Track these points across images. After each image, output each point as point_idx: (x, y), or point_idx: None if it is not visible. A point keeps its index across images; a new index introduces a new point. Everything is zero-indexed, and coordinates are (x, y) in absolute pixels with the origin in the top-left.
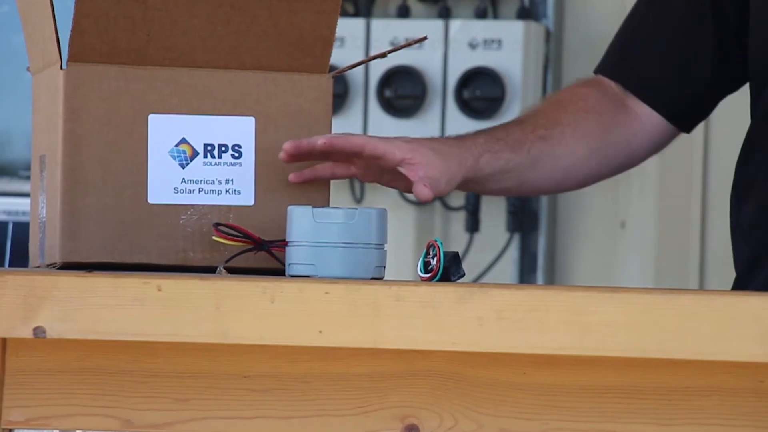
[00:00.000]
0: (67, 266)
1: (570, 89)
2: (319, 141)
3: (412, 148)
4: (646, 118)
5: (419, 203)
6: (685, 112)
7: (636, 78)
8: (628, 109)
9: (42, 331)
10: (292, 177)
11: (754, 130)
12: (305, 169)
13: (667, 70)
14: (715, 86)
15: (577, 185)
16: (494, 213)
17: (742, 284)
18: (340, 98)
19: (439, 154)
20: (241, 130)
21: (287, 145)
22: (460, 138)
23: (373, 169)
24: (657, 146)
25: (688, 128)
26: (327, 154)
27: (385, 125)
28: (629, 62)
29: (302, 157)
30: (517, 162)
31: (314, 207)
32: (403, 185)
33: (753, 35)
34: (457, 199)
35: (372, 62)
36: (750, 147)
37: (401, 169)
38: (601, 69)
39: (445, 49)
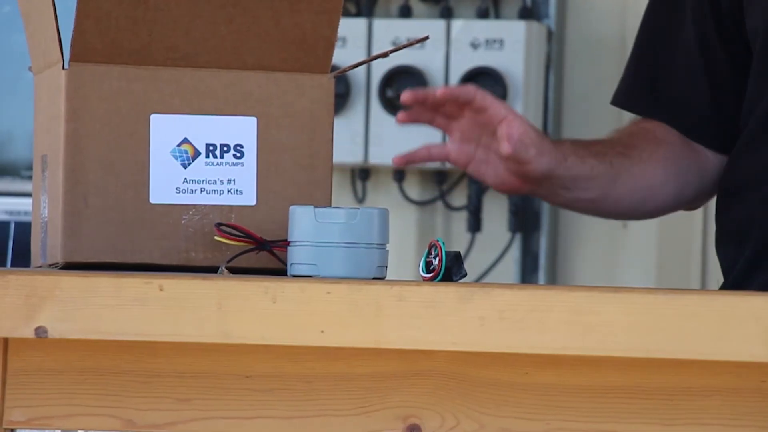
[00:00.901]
0: (69, 266)
1: (635, 124)
2: (438, 91)
3: (516, 112)
4: (712, 156)
5: (421, 203)
6: (733, 140)
7: (689, 123)
8: (693, 145)
9: (44, 330)
10: (395, 160)
11: (751, 131)
12: (406, 154)
13: (707, 107)
14: (740, 103)
15: (654, 211)
16: (496, 213)
17: (738, 288)
18: (341, 98)
19: (536, 130)
20: (242, 130)
21: (405, 95)
22: None
23: (469, 140)
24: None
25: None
26: (438, 106)
27: (386, 125)
28: (674, 107)
29: (418, 100)
30: (601, 171)
31: (316, 207)
32: (493, 174)
33: (750, 36)
34: (459, 199)
35: (374, 62)
36: (742, 151)
37: (500, 128)
38: (640, 110)
39: (447, 49)
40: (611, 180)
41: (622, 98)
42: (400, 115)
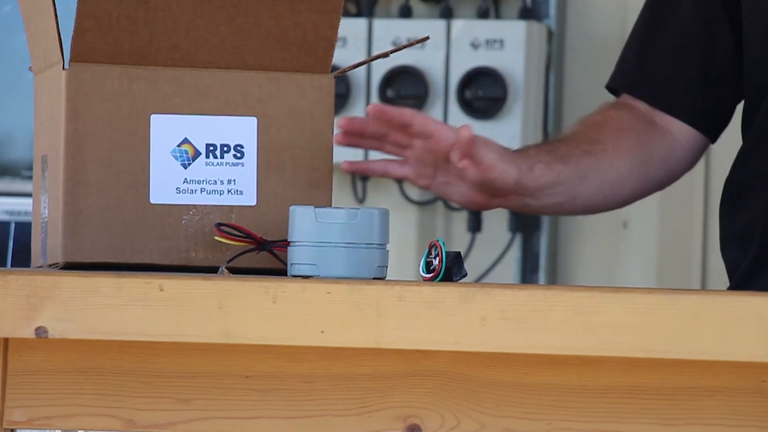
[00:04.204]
0: (70, 266)
1: (601, 113)
2: (369, 108)
3: (476, 137)
4: (679, 134)
5: (421, 203)
6: (712, 120)
7: (660, 93)
8: (659, 127)
9: (44, 331)
10: (344, 165)
11: (755, 134)
12: (359, 162)
13: (689, 78)
14: (735, 87)
15: (622, 202)
16: (496, 213)
17: (741, 289)
18: (342, 98)
19: (494, 142)
20: (243, 130)
21: (341, 121)
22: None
23: (427, 165)
24: (692, 160)
25: (714, 137)
26: (380, 137)
27: None
28: (649, 78)
29: (355, 133)
30: (567, 174)
31: (316, 207)
32: (458, 193)
33: (747, 37)
34: None
35: (374, 62)
36: (748, 153)
37: (452, 155)
38: (621, 86)
39: (447, 49)
40: (578, 181)
41: (615, 81)
42: (337, 136)
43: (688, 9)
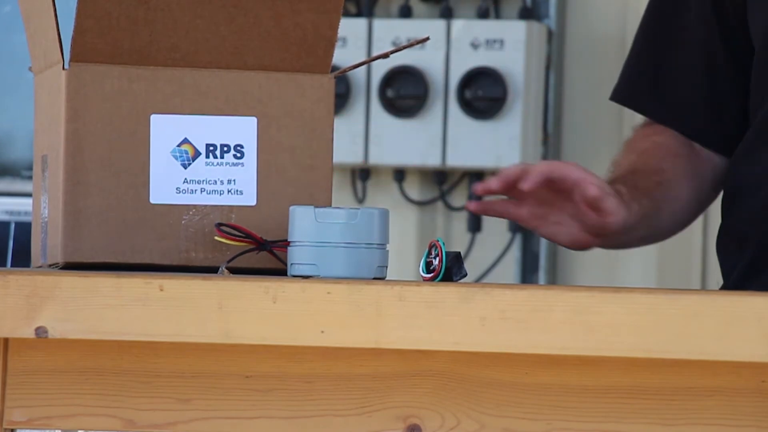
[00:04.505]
0: (70, 266)
1: (644, 139)
2: (526, 186)
3: (601, 180)
4: (716, 157)
5: (421, 203)
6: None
7: (691, 126)
8: (698, 149)
9: (44, 331)
10: (473, 206)
11: (752, 135)
12: (485, 203)
13: (707, 110)
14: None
15: (681, 227)
16: None
17: (737, 290)
18: (342, 98)
19: (607, 185)
20: (243, 130)
21: (497, 183)
22: None
23: (543, 205)
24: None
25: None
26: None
27: (386, 125)
28: (675, 111)
29: (509, 185)
30: (649, 208)
31: (316, 207)
32: (566, 233)
33: (754, 39)
34: (459, 199)
35: (374, 62)
36: (743, 154)
37: (580, 190)
38: (643, 110)
39: (447, 49)
40: (655, 214)
41: (625, 95)
42: (474, 205)
43: (692, 31)
